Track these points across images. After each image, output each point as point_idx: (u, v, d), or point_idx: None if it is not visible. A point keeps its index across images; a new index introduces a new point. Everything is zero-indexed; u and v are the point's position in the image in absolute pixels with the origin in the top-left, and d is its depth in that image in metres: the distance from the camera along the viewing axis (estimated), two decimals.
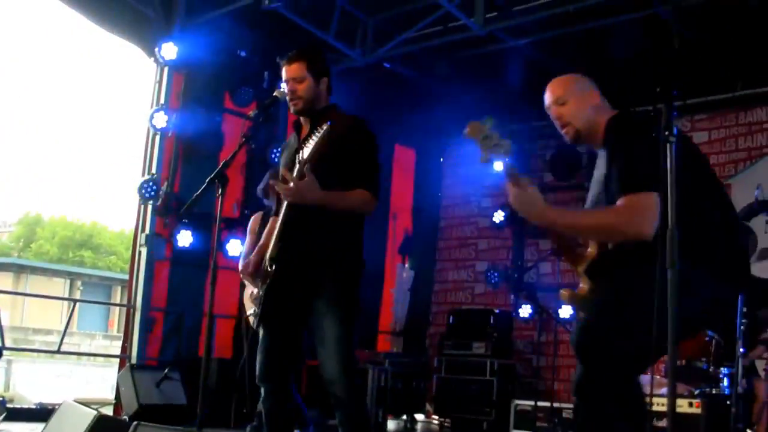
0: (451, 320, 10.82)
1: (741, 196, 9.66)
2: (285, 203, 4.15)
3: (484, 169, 11.19)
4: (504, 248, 11.73)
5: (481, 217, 11.95)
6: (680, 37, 8.04)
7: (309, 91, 4.38)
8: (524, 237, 11.49)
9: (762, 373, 7.55)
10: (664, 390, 6.27)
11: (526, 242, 11.52)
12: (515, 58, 9.51)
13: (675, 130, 3.60)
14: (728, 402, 6.18)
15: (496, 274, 11.34)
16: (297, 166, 3.99)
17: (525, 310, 10.86)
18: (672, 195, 3.64)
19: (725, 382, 6.80)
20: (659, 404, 6.07)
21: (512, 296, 11.22)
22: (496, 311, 10.62)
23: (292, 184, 3.99)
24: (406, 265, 11.93)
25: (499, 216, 11.48)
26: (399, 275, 11.73)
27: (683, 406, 5.97)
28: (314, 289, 4.21)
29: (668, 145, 3.54)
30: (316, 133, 3.95)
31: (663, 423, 5.91)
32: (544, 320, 10.01)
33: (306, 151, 3.96)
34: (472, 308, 11.31)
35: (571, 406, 8.55)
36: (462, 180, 12.25)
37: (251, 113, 4.78)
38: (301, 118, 4.51)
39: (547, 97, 4.09)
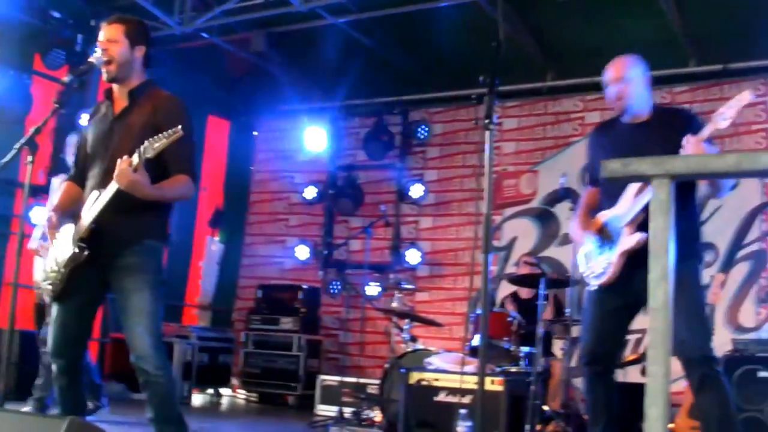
0: (259, 295, 10.79)
1: (547, 182, 10.09)
2: (111, 187, 3.99)
3: (297, 145, 11.28)
4: (315, 225, 11.76)
5: (293, 193, 11.91)
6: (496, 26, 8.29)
7: (122, 55, 4.24)
8: (335, 214, 11.56)
9: (559, 353, 7.89)
10: (467, 368, 6.48)
11: (337, 219, 11.59)
12: (334, 36, 9.55)
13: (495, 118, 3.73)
14: (528, 380, 6.44)
15: (305, 249, 11.33)
16: (137, 156, 3.86)
17: (333, 287, 10.94)
18: (489, 182, 3.77)
19: (525, 360, 7.09)
20: (462, 382, 6.28)
21: (321, 273, 11.29)
22: (305, 287, 10.66)
23: (129, 174, 3.87)
24: (216, 239, 11.81)
25: (310, 192, 11.48)
26: (208, 249, 11.61)
27: (485, 383, 6.16)
28: (119, 264, 4.11)
29: (488, 132, 3.66)
30: (164, 134, 3.84)
31: (465, 399, 6.15)
32: (352, 297, 10.14)
33: (150, 148, 3.83)
34: (281, 283, 11.29)
35: (376, 381, 8.72)
36: (275, 155, 12.22)
37: (65, 78, 4.60)
38: (115, 87, 4.37)
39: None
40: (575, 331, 7.75)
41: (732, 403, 4.26)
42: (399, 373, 6.71)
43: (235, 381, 10.78)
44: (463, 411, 5.84)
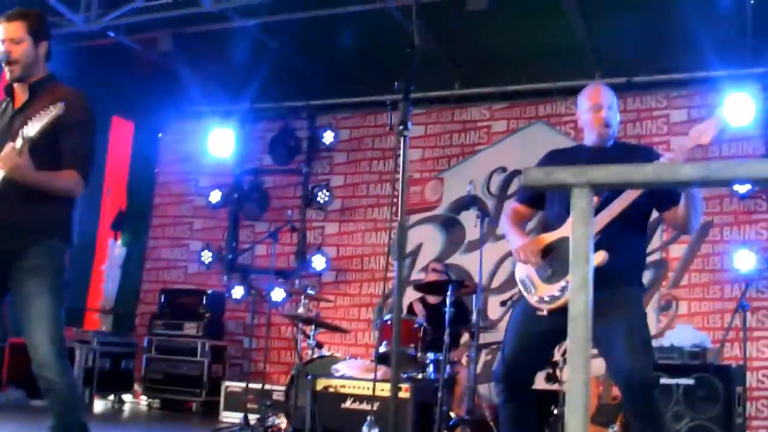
0: (162, 299, 10.62)
1: (453, 189, 10.19)
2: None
3: (202, 148, 11.14)
4: (219, 228, 11.62)
5: (198, 196, 11.76)
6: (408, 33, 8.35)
7: (27, 54, 4.13)
8: (240, 219, 11.45)
9: (464, 359, 7.95)
10: (373, 374, 6.48)
11: (242, 224, 11.48)
12: (242, 39, 9.48)
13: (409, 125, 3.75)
14: (434, 386, 6.48)
15: (209, 254, 11.19)
16: (20, 139, 3.76)
17: (238, 292, 10.85)
18: (402, 189, 3.77)
19: (431, 368, 7.11)
20: (365, 388, 6.31)
21: (225, 277, 11.17)
22: (209, 292, 10.54)
23: (13, 158, 3.76)
24: (118, 242, 11.59)
25: (215, 196, 11.34)
26: (110, 252, 11.39)
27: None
28: (20, 266, 3.99)
29: (403, 138, 3.67)
30: (45, 110, 3.73)
31: (372, 406, 6.16)
32: (257, 302, 10.09)
33: (31, 128, 3.74)
34: (185, 288, 11.14)
35: (281, 388, 8.67)
36: (180, 157, 12.04)
37: None
38: (15, 84, 4.25)
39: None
40: (482, 338, 7.84)
41: (666, 427, 4.31)
42: (305, 379, 6.67)
43: (137, 387, 10.59)
44: (369, 418, 5.85)
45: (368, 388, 6.25)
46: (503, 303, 8.57)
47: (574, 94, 9.57)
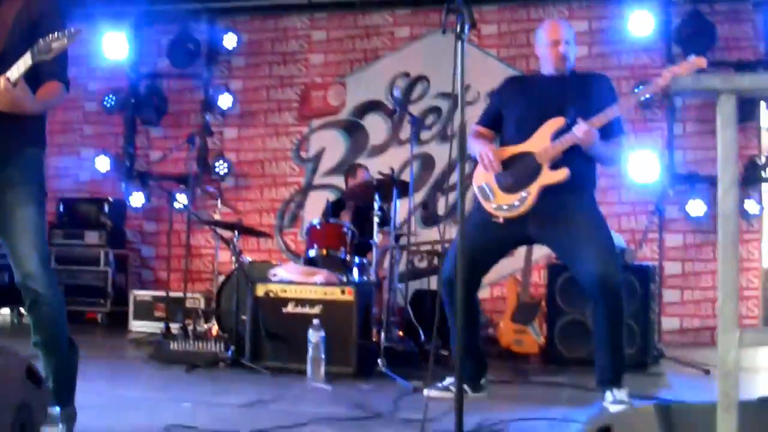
0: (60, 209, 10.27)
1: (355, 94, 10.24)
2: None
3: (93, 50, 10.68)
4: (112, 134, 11.19)
5: (88, 102, 11.28)
6: None
7: None
8: (136, 123, 11.08)
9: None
10: (315, 278, 6.50)
11: (138, 129, 11.11)
12: None
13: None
14: (368, 289, 6.61)
15: (105, 161, 10.81)
16: (15, 69, 3.53)
17: (137, 199, 10.58)
18: (461, 95, 3.75)
19: (357, 271, 7.19)
20: (307, 292, 6.35)
21: (123, 184, 10.85)
22: (110, 200, 10.25)
23: (11, 91, 3.54)
24: None
25: (109, 101, 10.95)
26: None
27: (336, 293, 6.24)
28: (0, 175, 3.81)
29: (460, 44, 3.66)
30: (62, 34, 3.53)
31: (314, 310, 6.21)
32: (157, 209, 9.86)
33: (43, 48, 3.52)
34: (84, 197, 10.73)
35: (193, 295, 8.63)
36: (69, 60, 11.50)
37: None
38: None
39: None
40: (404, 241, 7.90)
41: (624, 325, 4.60)
42: (242, 285, 6.61)
43: None
44: (315, 321, 5.90)
45: (310, 292, 6.28)
46: (425, 206, 8.76)
47: (479, 3, 9.74)
